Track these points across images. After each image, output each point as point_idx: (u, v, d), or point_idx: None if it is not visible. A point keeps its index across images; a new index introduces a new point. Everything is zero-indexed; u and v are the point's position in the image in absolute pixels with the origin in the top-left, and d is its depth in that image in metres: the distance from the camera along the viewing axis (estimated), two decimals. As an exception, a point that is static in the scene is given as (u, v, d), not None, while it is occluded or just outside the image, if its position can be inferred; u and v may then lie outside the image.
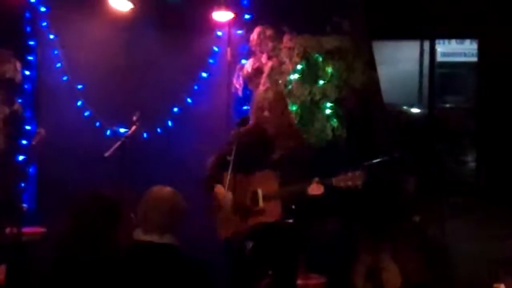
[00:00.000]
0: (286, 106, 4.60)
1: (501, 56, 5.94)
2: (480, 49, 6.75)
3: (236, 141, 4.17)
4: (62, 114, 6.05)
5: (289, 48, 5.43)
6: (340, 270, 5.15)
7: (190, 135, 5.89)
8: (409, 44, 8.89)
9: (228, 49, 5.88)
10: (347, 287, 5.14)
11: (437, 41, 8.16)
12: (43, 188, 6.05)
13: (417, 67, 9.05)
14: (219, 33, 5.92)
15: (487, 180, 6.37)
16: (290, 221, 4.27)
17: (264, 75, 5.48)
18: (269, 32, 5.55)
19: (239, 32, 5.86)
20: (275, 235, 4.24)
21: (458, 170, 7.70)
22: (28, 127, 5.99)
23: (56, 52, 6.07)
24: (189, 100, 5.95)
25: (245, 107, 5.70)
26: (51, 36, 6.08)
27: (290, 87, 5.39)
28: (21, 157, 5.95)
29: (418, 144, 6.79)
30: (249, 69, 5.61)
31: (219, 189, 4.32)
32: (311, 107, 5.38)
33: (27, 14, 6.07)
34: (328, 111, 5.37)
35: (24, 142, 5.94)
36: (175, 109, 5.97)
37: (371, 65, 5.55)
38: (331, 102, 5.37)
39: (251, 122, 4.63)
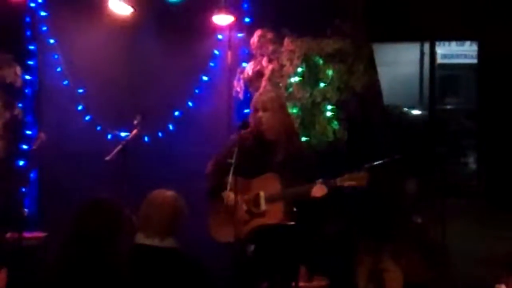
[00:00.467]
0: (281, 105, 4.55)
1: (501, 58, 5.94)
2: (480, 51, 6.76)
3: (237, 145, 4.15)
4: (63, 118, 6.06)
5: (290, 51, 5.43)
6: (342, 272, 5.15)
7: (191, 138, 5.88)
8: (409, 47, 8.88)
9: (229, 53, 5.89)
10: (349, 289, 5.15)
11: (437, 43, 8.14)
12: (44, 193, 6.06)
13: (417, 69, 9.04)
14: (220, 37, 5.92)
15: (488, 182, 6.36)
16: (292, 223, 4.26)
17: (265, 78, 5.47)
18: (269, 35, 5.55)
19: (240, 35, 5.86)
20: (277, 237, 4.23)
21: (459, 172, 7.70)
22: (29, 132, 6.00)
23: (56, 56, 6.08)
24: (190, 103, 5.95)
25: (246, 110, 5.70)
26: (52, 41, 6.10)
27: (291, 89, 5.39)
28: (22, 162, 5.95)
29: (419, 146, 6.78)
30: (250, 72, 5.61)
31: (224, 194, 4.26)
32: (312, 110, 5.38)
33: (27, 19, 6.08)
34: (329, 114, 5.37)
35: (25, 147, 5.94)
36: (176, 113, 5.96)
37: (371, 68, 5.55)
38: (332, 105, 5.37)
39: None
